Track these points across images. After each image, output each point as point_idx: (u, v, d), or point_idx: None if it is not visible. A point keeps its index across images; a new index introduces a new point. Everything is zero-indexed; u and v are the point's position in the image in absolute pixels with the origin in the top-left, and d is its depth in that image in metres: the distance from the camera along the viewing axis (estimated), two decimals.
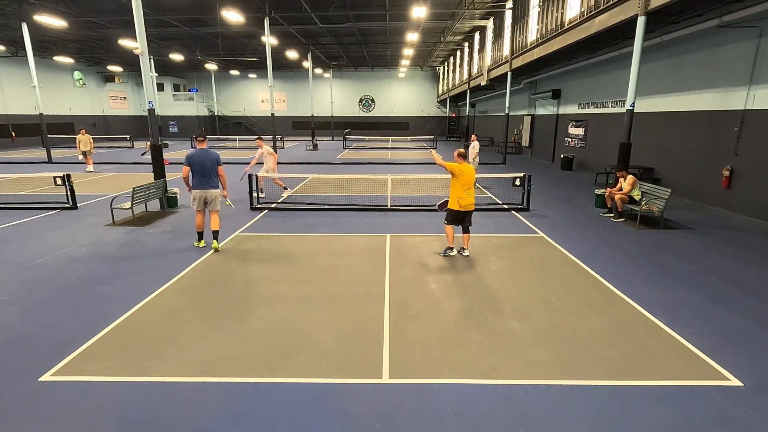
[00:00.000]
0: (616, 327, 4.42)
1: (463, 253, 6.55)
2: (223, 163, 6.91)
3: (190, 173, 6.64)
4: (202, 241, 7.01)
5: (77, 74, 36.45)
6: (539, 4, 16.04)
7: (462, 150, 6.34)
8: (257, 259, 6.54)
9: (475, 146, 13.46)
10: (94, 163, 17.97)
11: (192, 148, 29.72)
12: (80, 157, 18.35)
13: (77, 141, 17.60)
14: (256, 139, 11.70)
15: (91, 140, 17.63)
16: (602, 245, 7.22)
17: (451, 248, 6.57)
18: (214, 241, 6.86)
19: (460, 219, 6.47)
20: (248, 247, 7.11)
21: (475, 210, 10.17)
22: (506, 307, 4.85)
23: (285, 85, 45.32)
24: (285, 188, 11.92)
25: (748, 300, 5.06)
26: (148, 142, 19.81)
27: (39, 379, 3.53)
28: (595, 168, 15.27)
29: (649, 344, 4.07)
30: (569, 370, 3.66)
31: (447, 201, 6.56)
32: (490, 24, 23.82)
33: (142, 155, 21.10)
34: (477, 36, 27.40)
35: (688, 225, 8.48)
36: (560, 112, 19.35)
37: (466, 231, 6.61)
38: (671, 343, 4.11)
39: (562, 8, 13.86)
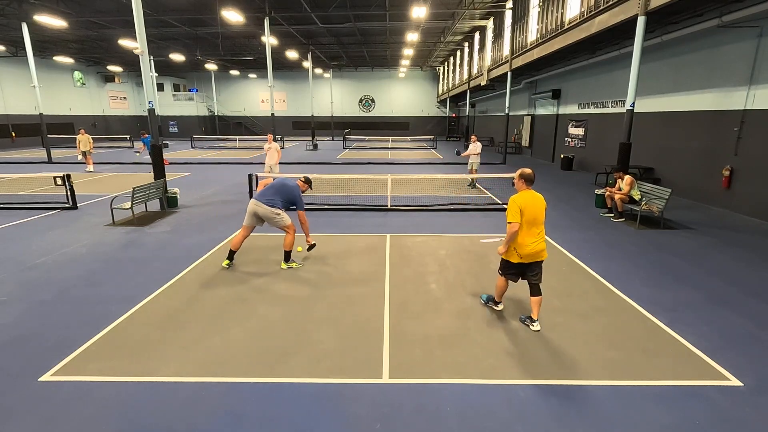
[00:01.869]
0: (616, 327, 4.42)
1: (532, 326, 4.30)
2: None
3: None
4: (226, 261, 6.09)
5: (77, 74, 36.45)
6: (539, 4, 16.04)
7: (528, 171, 4.23)
8: (257, 259, 6.53)
9: (477, 146, 13.03)
10: (93, 163, 17.96)
11: (191, 148, 29.87)
12: (80, 157, 18.34)
13: (77, 141, 17.61)
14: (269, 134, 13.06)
15: (91, 140, 17.63)
16: (602, 245, 7.22)
17: (498, 302, 4.72)
18: (282, 262, 6.14)
19: (522, 271, 4.36)
20: (248, 248, 7.09)
21: (476, 210, 10.41)
22: (506, 307, 4.85)
23: (285, 85, 45.32)
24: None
25: (748, 300, 5.06)
26: (142, 143, 19.86)
27: (39, 379, 3.53)
28: (595, 168, 15.27)
29: (649, 344, 4.07)
30: (569, 370, 3.66)
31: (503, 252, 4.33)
32: (490, 24, 23.82)
33: (136, 152, 21.17)
34: (477, 36, 27.40)
35: (688, 225, 8.48)
36: (560, 112, 19.35)
37: (534, 292, 4.35)
38: (671, 343, 4.11)
39: (562, 8, 13.86)
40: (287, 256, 6.11)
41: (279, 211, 5.85)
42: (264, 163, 12.53)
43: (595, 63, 15.28)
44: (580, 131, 17.35)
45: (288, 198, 5.91)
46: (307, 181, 6.33)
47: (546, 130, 21.07)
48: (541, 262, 4.30)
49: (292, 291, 5.32)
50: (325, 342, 4.11)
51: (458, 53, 33.84)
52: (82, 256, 6.66)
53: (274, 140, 12.54)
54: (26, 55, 19.40)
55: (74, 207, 10.03)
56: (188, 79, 45.41)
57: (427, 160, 21.62)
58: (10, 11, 19.10)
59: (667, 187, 8.63)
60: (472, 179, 13.35)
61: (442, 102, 45.31)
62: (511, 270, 4.36)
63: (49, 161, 20.17)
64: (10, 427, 3.00)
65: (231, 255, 6.10)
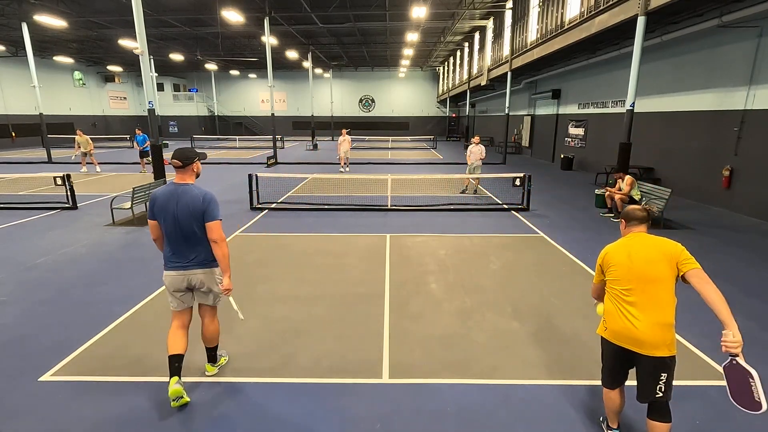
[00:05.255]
0: None
1: None
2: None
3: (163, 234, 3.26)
4: (174, 380, 3.12)
5: (77, 74, 36.45)
6: (539, 4, 16.04)
7: (636, 209, 2.82)
8: (257, 259, 6.53)
9: (482, 151, 11.77)
10: (87, 164, 17.60)
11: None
12: (73, 157, 18.14)
13: (76, 142, 17.52)
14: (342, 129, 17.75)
15: (90, 140, 17.52)
16: (602, 245, 7.16)
17: (612, 429, 2.90)
18: (207, 365, 3.61)
19: (622, 366, 2.79)
20: (248, 248, 7.10)
21: (476, 210, 10.41)
22: (506, 307, 4.85)
23: (285, 85, 45.32)
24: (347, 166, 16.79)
25: (748, 300, 5.06)
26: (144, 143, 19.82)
27: (39, 379, 3.53)
28: (595, 168, 15.27)
29: None
30: (569, 370, 3.66)
31: (739, 370, 2.37)
32: (490, 24, 23.82)
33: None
34: (477, 36, 27.40)
35: (688, 225, 8.48)
36: (560, 112, 19.35)
37: (655, 413, 2.72)
38: None
39: (562, 8, 13.86)
40: (214, 355, 3.61)
41: (212, 273, 3.34)
42: (338, 154, 16.94)
43: (595, 63, 15.28)
44: (580, 131, 17.35)
45: (201, 217, 3.19)
46: (182, 162, 3.37)
47: (546, 130, 21.07)
48: (662, 359, 2.52)
49: (292, 291, 5.32)
50: (325, 342, 4.11)
51: (458, 53, 33.84)
52: (82, 256, 6.66)
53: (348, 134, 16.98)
54: (26, 55, 19.40)
55: (74, 207, 10.04)
56: (188, 79, 45.40)
57: (427, 160, 21.61)
58: (10, 11, 19.09)
59: (667, 187, 8.63)
60: (467, 185, 12.38)
61: (442, 102, 45.31)
62: (607, 359, 2.80)
63: (49, 161, 20.17)
64: (10, 427, 3.00)
65: (176, 367, 3.18)
